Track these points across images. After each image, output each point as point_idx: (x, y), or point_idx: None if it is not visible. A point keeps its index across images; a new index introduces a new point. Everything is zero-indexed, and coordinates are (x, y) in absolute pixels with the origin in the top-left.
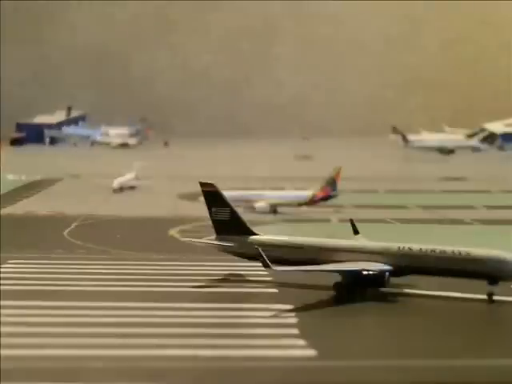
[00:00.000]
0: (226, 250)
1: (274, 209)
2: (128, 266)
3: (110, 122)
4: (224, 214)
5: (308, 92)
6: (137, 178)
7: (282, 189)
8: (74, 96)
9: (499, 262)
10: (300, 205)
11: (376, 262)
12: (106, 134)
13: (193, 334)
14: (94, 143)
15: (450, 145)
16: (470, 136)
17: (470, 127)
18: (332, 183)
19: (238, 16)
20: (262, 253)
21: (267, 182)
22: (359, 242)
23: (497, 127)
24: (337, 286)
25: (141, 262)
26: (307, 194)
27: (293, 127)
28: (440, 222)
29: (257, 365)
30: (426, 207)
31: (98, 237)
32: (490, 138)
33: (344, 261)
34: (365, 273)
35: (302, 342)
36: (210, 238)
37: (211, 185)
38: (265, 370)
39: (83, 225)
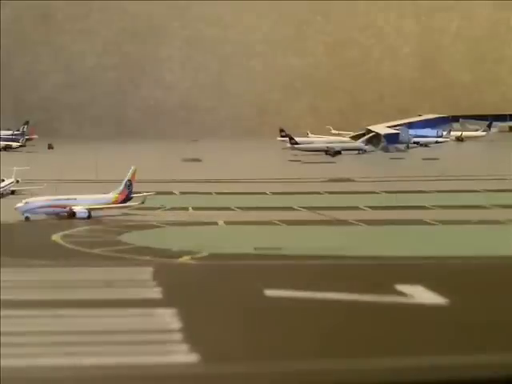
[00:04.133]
0: None
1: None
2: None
3: None
4: None
5: (196, 94)
6: (17, 182)
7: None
8: None
9: None
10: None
11: None
12: None
13: (73, 342)
14: None
15: (336, 146)
16: (356, 138)
17: (356, 129)
18: (129, 185)
19: (123, 17)
20: None
21: (151, 186)
22: None
23: (381, 129)
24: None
25: (20, 269)
26: (112, 196)
27: (182, 129)
28: (328, 223)
29: (137, 373)
30: (312, 208)
31: None
32: (375, 139)
33: None
34: None
35: (184, 347)
36: None
37: None
38: (147, 378)
39: None
